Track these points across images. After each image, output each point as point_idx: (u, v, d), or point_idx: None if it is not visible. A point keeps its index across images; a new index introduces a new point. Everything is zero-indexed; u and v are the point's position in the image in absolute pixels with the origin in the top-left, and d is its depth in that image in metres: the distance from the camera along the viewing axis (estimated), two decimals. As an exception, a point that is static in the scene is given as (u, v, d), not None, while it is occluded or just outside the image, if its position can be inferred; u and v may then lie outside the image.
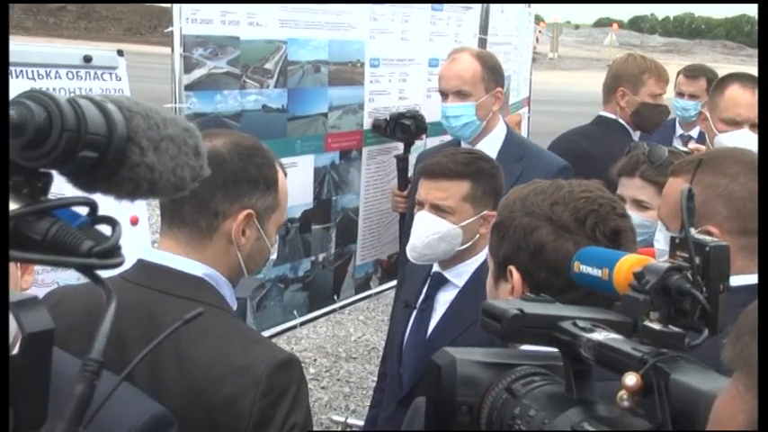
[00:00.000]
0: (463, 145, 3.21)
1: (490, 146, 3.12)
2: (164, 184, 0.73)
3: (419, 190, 2.51)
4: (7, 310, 0.65)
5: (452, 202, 2.42)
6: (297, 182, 3.17)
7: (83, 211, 0.74)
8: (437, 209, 2.44)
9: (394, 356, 2.53)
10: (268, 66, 2.91)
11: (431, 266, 2.55)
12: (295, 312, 3.26)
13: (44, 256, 0.70)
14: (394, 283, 3.66)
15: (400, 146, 3.64)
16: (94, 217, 0.74)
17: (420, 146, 3.68)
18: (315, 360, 5.49)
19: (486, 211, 2.44)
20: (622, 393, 0.74)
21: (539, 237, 1.47)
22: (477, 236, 2.44)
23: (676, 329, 0.80)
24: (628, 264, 0.91)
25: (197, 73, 2.64)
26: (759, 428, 0.54)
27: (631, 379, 0.74)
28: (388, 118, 3.55)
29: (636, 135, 3.77)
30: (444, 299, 2.46)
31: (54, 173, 0.72)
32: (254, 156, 1.67)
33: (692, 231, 0.86)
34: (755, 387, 0.57)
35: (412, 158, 3.61)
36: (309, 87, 3.14)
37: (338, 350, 5.77)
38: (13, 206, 0.69)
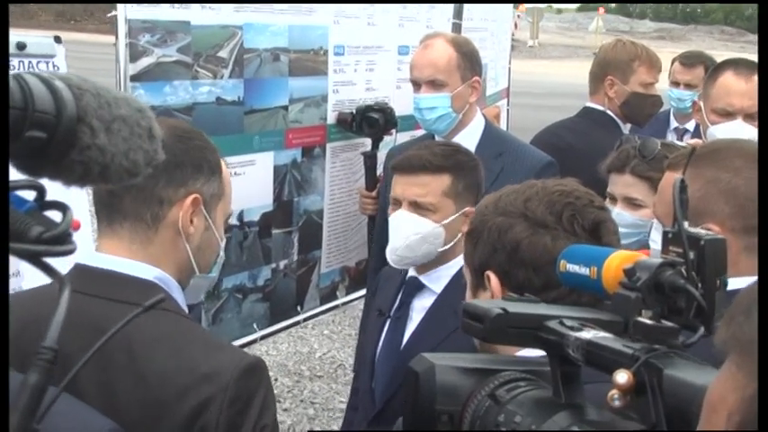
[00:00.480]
0: (437, 139, 3.24)
1: (467, 140, 3.15)
2: (116, 169, 0.75)
3: (394, 187, 2.53)
4: (7, 307, 0.66)
5: (433, 198, 2.45)
6: (255, 182, 3.18)
7: (30, 196, 0.74)
8: (417, 206, 2.46)
9: (366, 370, 2.55)
10: (222, 54, 2.92)
11: (406, 271, 2.58)
12: (255, 325, 3.26)
13: None
14: (362, 292, 3.68)
15: (368, 142, 3.67)
16: (42, 202, 0.74)
17: (389, 141, 3.71)
18: (276, 380, 5.49)
19: (467, 208, 2.47)
20: (613, 393, 0.76)
21: (513, 235, 1.52)
22: (459, 235, 2.47)
23: (670, 324, 0.82)
24: (617, 260, 0.93)
25: (144, 62, 2.64)
26: (759, 422, 0.56)
27: (622, 376, 0.75)
28: (354, 111, 3.57)
29: (626, 128, 3.81)
30: (421, 306, 2.48)
31: None
32: (194, 138, 1.71)
33: (686, 225, 0.89)
34: (748, 366, 0.59)
35: (381, 155, 3.64)
36: (268, 78, 3.15)
37: (301, 368, 5.77)
38: None
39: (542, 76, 27.68)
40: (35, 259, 0.72)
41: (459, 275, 2.44)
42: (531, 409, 0.86)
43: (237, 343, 3.18)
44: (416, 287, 2.52)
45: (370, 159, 3.63)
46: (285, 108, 3.27)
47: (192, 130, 1.75)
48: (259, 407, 1.53)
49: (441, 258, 2.49)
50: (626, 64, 3.77)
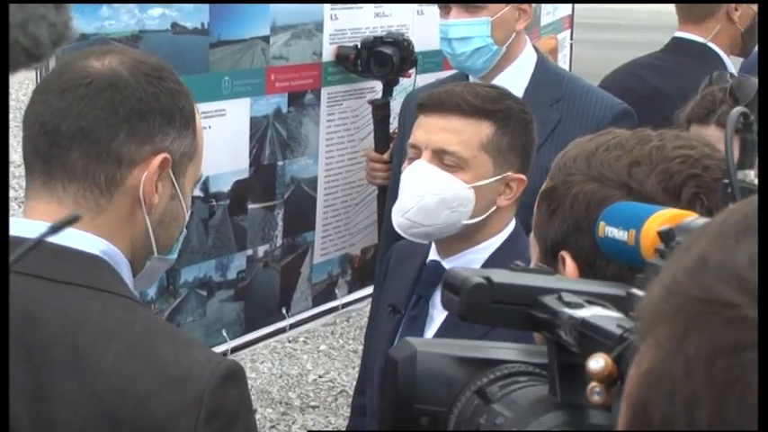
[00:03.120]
0: (472, 81, 3.24)
1: (513, 82, 3.15)
2: (10, 48, 0.72)
3: (415, 130, 2.54)
4: (7, 306, 0.65)
5: (466, 150, 2.46)
6: (225, 139, 3.19)
7: None
8: (442, 158, 2.47)
9: (373, 384, 2.56)
10: (179, -37, 2.93)
11: (425, 254, 2.58)
12: (224, 333, 3.28)
13: None
14: (371, 290, 3.69)
15: (378, 87, 3.67)
16: None
17: (406, 86, 3.71)
18: (255, 410, 5.52)
19: (509, 173, 2.47)
20: (593, 384, 0.78)
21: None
22: (494, 208, 2.47)
23: None
24: (658, 221, 0.95)
25: (73, -26, 2.64)
26: (759, 423, 0.58)
27: (597, 362, 0.77)
28: (358, 45, 3.56)
29: (733, 67, 3.80)
30: None
31: None
32: (165, 78, 1.71)
33: (748, 174, 0.89)
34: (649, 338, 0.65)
35: (396, 105, 3.64)
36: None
37: (289, 395, 5.80)
38: None
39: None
40: None
41: (495, 260, 2.44)
42: (519, 408, 0.89)
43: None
44: (439, 275, 2.51)
45: (380, 110, 3.64)
46: (266, 39, 3.27)
47: (162, 66, 1.74)
48: (244, 427, 1.56)
49: (469, 236, 2.50)
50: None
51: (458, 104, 2.45)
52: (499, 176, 2.47)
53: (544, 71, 3.28)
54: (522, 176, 2.47)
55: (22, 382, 1.50)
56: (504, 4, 3.21)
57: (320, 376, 6.05)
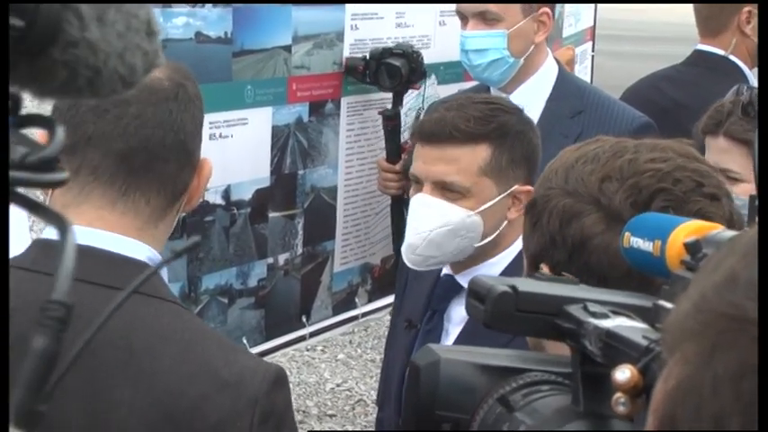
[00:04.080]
0: (493, 92, 3.25)
1: (533, 94, 3.16)
2: (108, 75, 0.73)
3: (415, 159, 2.53)
4: (7, 307, 0.66)
5: (465, 179, 2.44)
6: (247, 147, 3.20)
7: None
8: (443, 189, 2.46)
9: (392, 398, 2.57)
10: (204, -27, 2.95)
11: (439, 269, 2.59)
12: (245, 340, 3.29)
13: None
14: (391, 300, 3.70)
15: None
16: (19, 116, 0.73)
17: (431, 96, 3.71)
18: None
19: (516, 186, 2.47)
20: (618, 395, 0.78)
21: (580, 227, 1.51)
22: (505, 223, 2.47)
23: None
24: (685, 232, 0.95)
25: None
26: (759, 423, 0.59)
27: (623, 373, 0.77)
28: (367, 56, 3.56)
29: (755, 79, 3.79)
30: (459, 315, 2.49)
31: None
32: (194, 81, 1.77)
33: None
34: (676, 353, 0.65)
35: (409, 116, 3.64)
36: (265, 7, 3.17)
37: (307, 404, 5.81)
38: None
39: (639, 12, 27.48)
40: (15, 193, 0.71)
41: (509, 272, 2.44)
42: (542, 417, 0.89)
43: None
44: (452, 290, 2.52)
45: (390, 121, 3.62)
46: (287, 49, 3.29)
47: (190, 75, 1.80)
48: (291, 429, 1.63)
49: (483, 252, 2.50)
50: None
51: (450, 134, 2.42)
52: (504, 194, 2.46)
53: (565, 83, 3.28)
54: (530, 187, 2.46)
55: (76, 384, 1.52)
56: (521, 16, 3.21)
57: (338, 385, 6.05)
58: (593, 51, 5.81)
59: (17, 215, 2.52)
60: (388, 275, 3.83)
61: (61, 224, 0.72)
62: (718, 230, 0.92)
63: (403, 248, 2.54)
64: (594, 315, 0.89)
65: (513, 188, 2.46)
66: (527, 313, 0.94)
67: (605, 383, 0.81)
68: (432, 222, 2.45)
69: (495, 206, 2.46)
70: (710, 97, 3.32)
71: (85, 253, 1.61)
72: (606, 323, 0.87)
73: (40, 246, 1.67)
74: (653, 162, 1.51)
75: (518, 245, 2.46)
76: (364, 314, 3.88)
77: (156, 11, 2.83)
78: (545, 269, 1.54)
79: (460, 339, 2.45)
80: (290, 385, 5.51)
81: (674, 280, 0.89)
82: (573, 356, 0.91)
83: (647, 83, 3.90)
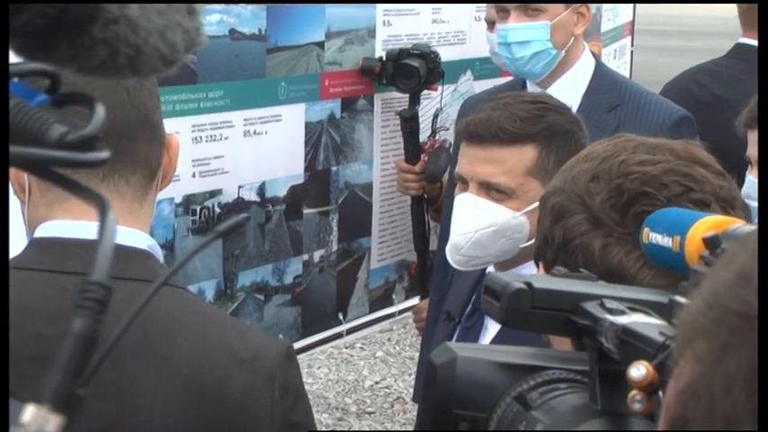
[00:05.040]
0: (529, 87, 3.23)
1: (570, 88, 3.15)
2: (149, 53, 0.72)
3: (460, 159, 2.51)
4: (7, 308, 0.65)
5: (511, 179, 2.42)
6: (281, 144, 3.21)
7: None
8: (489, 189, 2.44)
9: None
10: (237, -30, 2.96)
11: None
12: (282, 337, 3.29)
13: None
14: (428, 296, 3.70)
15: (432, 93, 3.66)
16: (58, 95, 0.72)
17: (467, 91, 3.70)
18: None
19: None
20: (634, 393, 0.77)
21: (566, 226, 1.48)
22: None
23: None
24: (704, 227, 0.95)
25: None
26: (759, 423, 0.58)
27: (638, 370, 0.77)
28: (383, 58, 3.53)
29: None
30: None
31: None
32: None
33: None
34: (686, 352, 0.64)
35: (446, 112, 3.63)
36: (298, 4, 3.17)
37: (346, 401, 5.81)
38: None
39: (678, 7, 27.36)
40: (52, 171, 0.71)
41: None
42: (558, 416, 0.88)
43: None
44: None
45: (408, 123, 3.59)
46: (320, 45, 3.29)
47: None
48: (307, 403, 1.64)
49: (528, 253, 2.48)
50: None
51: (495, 135, 2.39)
52: None
53: (602, 77, 3.26)
54: None
55: (98, 378, 1.53)
56: (562, 8, 3.19)
57: (376, 382, 6.06)
58: (631, 46, 5.79)
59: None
60: (426, 273, 3.83)
61: (101, 203, 0.72)
62: (738, 225, 0.91)
63: (447, 248, 2.51)
64: (611, 312, 0.88)
65: None
66: (543, 310, 0.93)
67: (623, 381, 0.81)
68: (477, 222, 2.43)
69: None
70: (753, 91, 3.29)
71: (89, 247, 1.62)
72: (622, 320, 0.86)
73: (38, 245, 1.66)
74: (642, 164, 1.47)
75: None
76: (401, 311, 3.89)
77: (189, 8, 2.83)
78: (541, 268, 1.52)
79: (499, 337, 2.44)
80: (329, 382, 5.56)
81: (693, 275, 0.88)
82: (590, 354, 0.90)
83: (687, 77, 3.87)
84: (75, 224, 1.65)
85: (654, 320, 0.86)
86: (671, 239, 0.99)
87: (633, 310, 0.88)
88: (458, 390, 0.95)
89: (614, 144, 1.54)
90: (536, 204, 2.40)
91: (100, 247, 0.71)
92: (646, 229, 1.04)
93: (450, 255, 2.50)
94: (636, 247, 1.38)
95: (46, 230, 1.67)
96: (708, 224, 0.95)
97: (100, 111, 0.71)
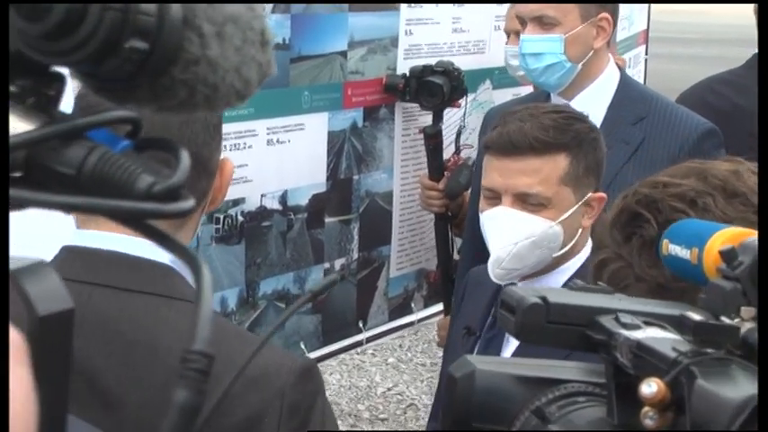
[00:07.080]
0: (553, 99, 3.24)
1: (594, 101, 3.13)
2: (225, 91, 0.72)
3: (488, 173, 2.50)
4: (7, 309, 0.65)
5: (547, 189, 2.42)
6: (304, 153, 3.22)
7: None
8: (524, 200, 2.44)
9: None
10: (262, -20, 2.97)
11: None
12: (302, 345, 3.31)
13: (84, 200, 0.68)
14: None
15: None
16: (140, 140, 0.72)
17: (485, 101, 3.71)
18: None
19: (590, 193, 2.46)
20: (647, 409, 0.77)
21: (600, 254, 1.52)
22: (579, 232, 2.46)
23: (728, 322, 0.82)
24: (720, 240, 0.94)
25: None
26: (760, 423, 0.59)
27: (649, 387, 0.77)
28: (406, 74, 3.52)
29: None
30: None
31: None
32: None
33: None
34: None
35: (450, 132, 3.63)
36: (322, 13, 3.19)
37: (358, 408, 5.82)
38: (21, 125, 0.67)
39: (693, 15, 27.31)
40: (144, 224, 0.70)
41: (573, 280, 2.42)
42: (575, 430, 0.88)
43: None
44: None
45: (432, 139, 3.59)
46: (343, 54, 3.31)
47: None
48: (321, 419, 1.60)
49: (556, 261, 2.49)
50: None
51: (530, 145, 2.39)
52: (581, 202, 2.45)
53: (628, 89, 3.24)
54: (602, 194, 2.45)
55: (108, 389, 1.54)
56: (579, 21, 3.19)
57: (389, 389, 6.06)
58: (646, 55, 5.79)
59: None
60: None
61: (195, 264, 0.70)
62: (755, 237, 0.89)
63: (489, 263, 2.50)
64: (626, 326, 0.87)
65: (587, 196, 2.45)
66: (558, 324, 0.92)
67: (639, 395, 0.82)
68: (516, 235, 2.43)
69: (573, 215, 2.44)
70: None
71: (112, 259, 1.63)
72: (637, 334, 0.85)
73: (72, 253, 1.66)
74: (654, 186, 1.48)
75: (586, 252, 2.47)
76: (420, 320, 3.89)
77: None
78: None
79: (520, 348, 2.44)
80: (341, 389, 5.55)
81: (710, 288, 0.87)
82: (606, 368, 0.90)
83: (704, 86, 3.86)
84: (103, 235, 1.66)
85: (669, 335, 0.85)
86: (689, 251, 0.98)
87: (649, 324, 0.87)
88: (477, 403, 0.95)
89: (669, 171, 1.53)
90: (569, 212, 2.42)
91: (199, 314, 0.69)
92: (665, 241, 1.03)
93: (492, 269, 2.49)
94: (626, 266, 1.43)
95: (79, 239, 1.69)
96: (725, 236, 0.94)
97: (185, 158, 0.71)
